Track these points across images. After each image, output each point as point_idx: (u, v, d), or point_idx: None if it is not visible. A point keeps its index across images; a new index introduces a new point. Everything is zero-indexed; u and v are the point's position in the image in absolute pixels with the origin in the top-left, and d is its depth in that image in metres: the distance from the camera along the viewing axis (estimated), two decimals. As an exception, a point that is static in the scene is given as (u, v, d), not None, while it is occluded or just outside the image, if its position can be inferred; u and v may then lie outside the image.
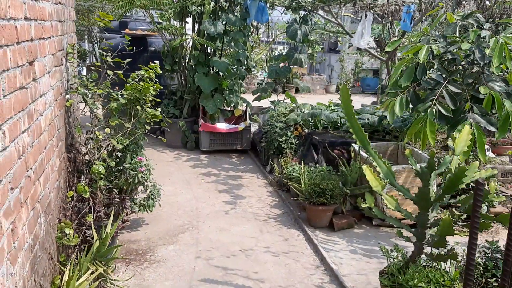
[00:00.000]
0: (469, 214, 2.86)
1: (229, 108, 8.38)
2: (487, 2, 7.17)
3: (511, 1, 6.79)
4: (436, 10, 5.84)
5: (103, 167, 3.90)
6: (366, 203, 3.35)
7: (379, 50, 10.11)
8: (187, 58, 8.42)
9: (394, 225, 3.37)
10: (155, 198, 4.92)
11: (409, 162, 3.41)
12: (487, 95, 4.23)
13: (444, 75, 4.41)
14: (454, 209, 3.20)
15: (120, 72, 4.33)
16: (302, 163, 5.85)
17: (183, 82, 8.53)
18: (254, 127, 8.62)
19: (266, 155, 7.27)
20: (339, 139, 6.20)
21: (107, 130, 4.17)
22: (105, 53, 4.36)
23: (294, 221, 5.37)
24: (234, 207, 5.73)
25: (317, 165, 5.98)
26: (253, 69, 14.05)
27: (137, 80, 4.52)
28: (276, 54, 16.31)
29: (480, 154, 4.03)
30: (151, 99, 4.59)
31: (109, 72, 4.45)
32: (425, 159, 5.44)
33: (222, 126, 7.92)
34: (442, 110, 4.09)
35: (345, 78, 18.04)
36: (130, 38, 4.95)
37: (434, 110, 4.04)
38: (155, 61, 4.63)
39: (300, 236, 5.00)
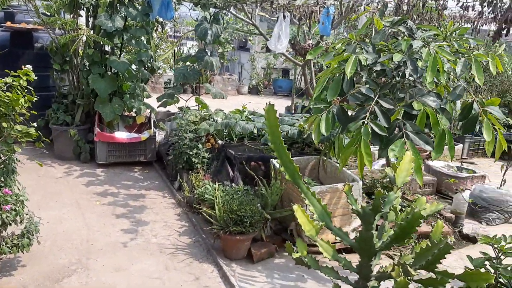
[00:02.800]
0: (427, 270, 2.33)
1: (130, 115, 7.41)
2: (405, 7, 6.95)
3: (430, 6, 6.60)
4: (360, 15, 5.43)
5: None
6: (297, 252, 2.71)
7: (293, 53, 9.67)
8: (80, 56, 7.31)
9: (331, 277, 2.77)
10: (32, 235, 3.93)
11: (337, 181, 2.84)
12: (421, 111, 3.82)
13: (373, 89, 3.93)
14: (405, 261, 2.66)
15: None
16: (216, 183, 5.12)
17: (76, 84, 7.40)
18: (160, 135, 7.73)
19: (174, 169, 6.44)
20: (257, 154, 5.57)
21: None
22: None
23: (207, 252, 4.64)
24: (135, 237, 4.86)
25: (233, 184, 5.30)
26: (159, 70, 13.07)
27: (4, 89, 3.50)
28: (185, 52, 15.45)
29: (418, 178, 3.58)
30: (24, 111, 3.60)
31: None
32: (349, 176, 4.98)
33: (122, 135, 6.95)
34: (376, 129, 3.59)
35: (256, 79, 17.61)
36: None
37: (369, 130, 3.52)
38: (28, 66, 3.60)
39: (214, 273, 4.27)
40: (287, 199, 4.96)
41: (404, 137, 3.62)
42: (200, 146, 5.98)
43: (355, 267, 2.68)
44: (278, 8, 6.07)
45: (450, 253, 2.35)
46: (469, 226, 5.57)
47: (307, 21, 7.08)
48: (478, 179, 6.82)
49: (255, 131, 6.17)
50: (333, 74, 4.14)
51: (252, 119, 6.36)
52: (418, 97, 3.85)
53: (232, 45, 17.45)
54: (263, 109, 2.62)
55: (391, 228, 2.80)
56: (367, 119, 3.65)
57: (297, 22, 7.17)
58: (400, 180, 2.90)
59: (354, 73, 3.99)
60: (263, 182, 4.95)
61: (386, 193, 5.42)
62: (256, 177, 5.05)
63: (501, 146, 3.89)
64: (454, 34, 4.57)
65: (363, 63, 4.01)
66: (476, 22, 8.67)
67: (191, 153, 5.96)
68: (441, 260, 2.51)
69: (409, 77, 4.00)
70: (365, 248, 2.59)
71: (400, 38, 4.26)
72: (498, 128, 3.87)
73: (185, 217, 5.45)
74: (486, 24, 8.25)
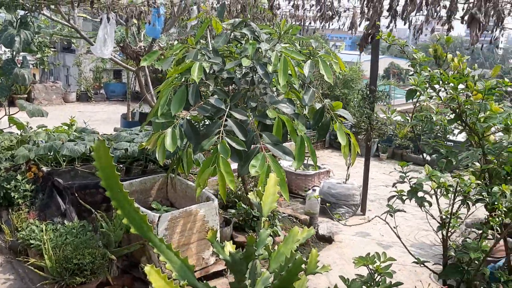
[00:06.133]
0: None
1: None
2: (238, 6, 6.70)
3: (263, 4, 6.45)
4: (192, 20, 4.97)
5: None
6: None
7: (123, 56, 8.82)
8: None
9: None
10: None
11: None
12: (276, 119, 3.50)
13: (223, 99, 3.49)
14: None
15: None
16: (43, 223, 4.20)
17: None
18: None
19: (-12, 208, 5.22)
20: (92, 181, 4.74)
21: None
22: None
23: (40, 313, 3.73)
24: None
25: (65, 220, 4.42)
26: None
27: None
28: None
29: (284, 193, 3.25)
30: None
31: None
32: (202, 195, 4.49)
33: None
34: (234, 144, 3.16)
35: (85, 84, 16.07)
36: None
37: (227, 146, 3.07)
38: None
39: None
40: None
41: (263, 151, 3.26)
42: (19, 177, 4.91)
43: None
44: (101, 8, 5.28)
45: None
46: (323, 226, 5.55)
47: (137, 22, 6.39)
48: (324, 174, 6.94)
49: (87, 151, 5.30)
50: (176, 84, 3.59)
51: (82, 137, 5.48)
52: (272, 105, 3.53)
53: (53, 49, 15.65)
54: (90, 147, 1.92)
55: (264, 268, 2.40)
56: (222, 133, 3.20)
57: (125, 24, 6.42)
58: (267, 208, 2.51)
59: (199, 82, 3.51)
60: (104, 216, 4.19)
61: (243, 205, 5.12)
62: (93, 211, 4.27)
63: (355, 150, 3.79)
64: (288, 33, 4.39)
65: (207, 71, 3.54)
66: (303, 21, 8.91)
67: (8, 186, 4.87)
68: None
69: (259, 84, 3.65)
70: (239, 303, 2.13)
71: (244, 41, 3.89)
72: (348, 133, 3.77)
73: (9, 268, 4.39)
74: (314, 22, 8.51)
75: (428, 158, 3.79)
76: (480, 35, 3.12)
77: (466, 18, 3.20)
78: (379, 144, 9.38)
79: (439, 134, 5.09)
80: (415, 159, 8.96)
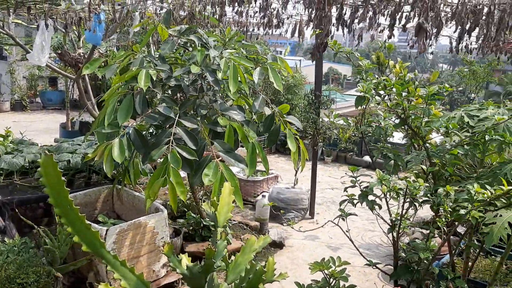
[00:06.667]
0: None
1: None
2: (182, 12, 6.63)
3: (207, 12, 6.40)
4: (137, 26, 4.85)
5: None
6: None
7: (61, 63, 8.46)
8: None
9: None
10: None
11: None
12: (228, 127, 3.47)
13: (172, 107, 3.42)
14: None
15: None
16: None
17: None
18: None
19: None
20: (33, 195, 4.50)
21: None
22: None
23: None
24: None
25: (5, 238, 4.16)
26: None
27: None
28: None
29: (238, 201, 3.22)
30: None
31: None
32: (151, 206, 4.37)
33: None
34: (184, 154, 3.09)
35: (19, 93, 15.30)
36: None
37: (178, 156, 3.00)
38: None
39: None
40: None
41: (216, 159, 3.23)
42: (-50, 193, 4.57)
43: None
44: (38, 14, 5.02)
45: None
46: (274, 231, 5.57)
47: (76, 29, 6.15)
48: (273, 180, 6.98)
49: (27, 164, 5.03)
50: (121, 93, 3.48)
51: (20, 149, 5.19)
52: (222, 112, 3.50)
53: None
54: (39, 161, 1.82)
55: (221, 280, 2.36)
56: (172, 143, 3.13)
57: (63, 30, 6.17)
58: (222, 218, 2.48)
59: (146, 90, 3.43)
60: (46, 232, 3.98)
61: (192, 215, 5.03)
62: (36, 227, 4.04)
63: (304, 155, 3.83)
64: (233, 40, 4.40)
65: (154, 79, 3.46)
66: (246, 27, 8.95)
67: None
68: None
69: (208, 92, 3.62)
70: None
71: (191, 48, 3.84)
72: (297, 137, 3.81)
73: None
74: (258, 29, 8.57)
75: (369, 160, 3.91)
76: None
77: (408, 26, 3.35)
78: (323, 148, 9.58)
79: (380, 137, 5.27)
80: (358, 161, 9.23)
